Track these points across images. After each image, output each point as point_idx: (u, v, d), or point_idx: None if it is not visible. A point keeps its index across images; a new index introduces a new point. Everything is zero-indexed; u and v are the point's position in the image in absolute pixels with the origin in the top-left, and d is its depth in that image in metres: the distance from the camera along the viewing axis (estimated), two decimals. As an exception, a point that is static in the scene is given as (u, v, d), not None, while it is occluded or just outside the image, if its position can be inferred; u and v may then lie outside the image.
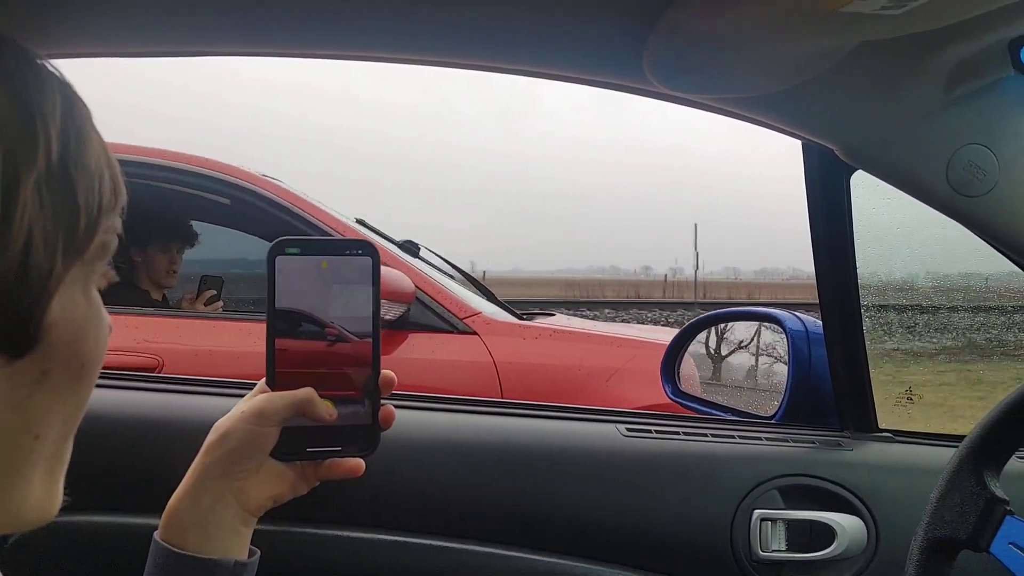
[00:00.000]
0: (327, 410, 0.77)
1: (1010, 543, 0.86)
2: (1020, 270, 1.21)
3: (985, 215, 1.09)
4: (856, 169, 1.15)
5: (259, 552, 0.80)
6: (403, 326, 2.69)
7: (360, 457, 0.81)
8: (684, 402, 1.60)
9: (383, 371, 0.80)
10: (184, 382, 1.25)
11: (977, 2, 0.80)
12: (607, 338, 2.83)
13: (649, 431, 1.26)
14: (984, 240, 1.16)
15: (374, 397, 0.79)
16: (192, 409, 1.17)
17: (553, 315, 3.52)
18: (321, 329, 0.77)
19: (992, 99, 1.03)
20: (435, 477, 1.17)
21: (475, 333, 2.73)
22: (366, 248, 0.78)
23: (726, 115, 1.03)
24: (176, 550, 0.74)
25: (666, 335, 2.72)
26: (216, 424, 0.78)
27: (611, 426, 1.26)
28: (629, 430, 1.25)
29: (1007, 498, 0.89)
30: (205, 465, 0.77)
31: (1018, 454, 1.33)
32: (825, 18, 0.77)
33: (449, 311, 2.76)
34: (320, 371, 0.78)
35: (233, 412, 0.78)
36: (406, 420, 1.23)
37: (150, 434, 1.14)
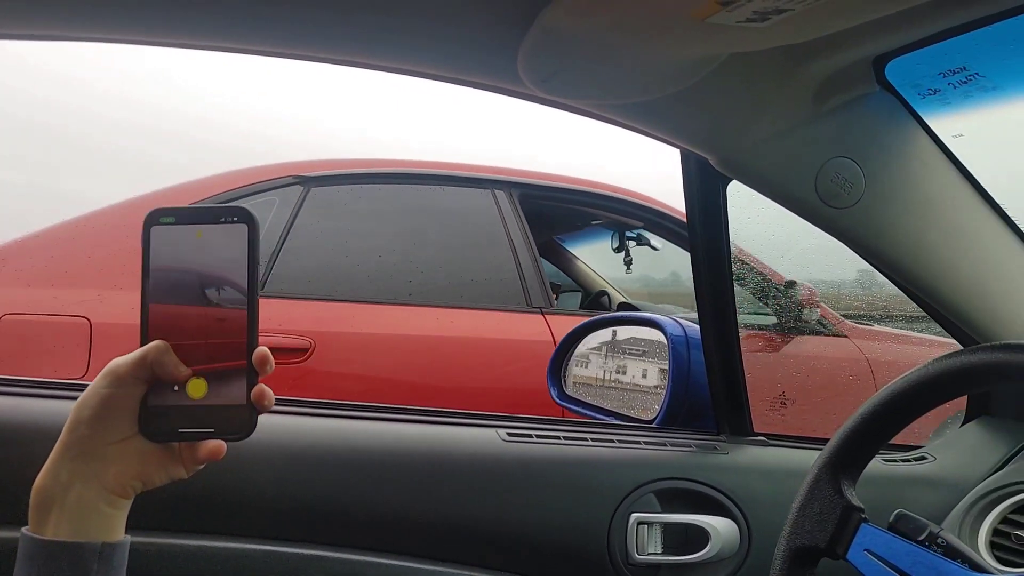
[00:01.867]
0: (177, 366, 0.72)
1: (865, 550, 0.89)
2: (887, 279, 1.26)
3: (852, 226, 1.13)
4: (731, 179, 1.17)
5: (130, 536, 0.76)
6: (802, 330, 2.94)
7: (236, 440, 0.76)
8: (569, 406, 1.60)
9: (259, 347, 0.75)
10: (42, 385, 1.18)
11: (840, 18, 0.83)
12: (923, 339, 3.04)
13: (530, 435, 1.26)
14: (852, 250, 1.20)
15: (249, 374, 0.75)
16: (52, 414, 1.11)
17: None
18: (195, 301, 0.73)
19: (859, 114, 1.07)
20: (313, 484, 1.14)
21: (846, 336, 3.02)
22: (242, 215, 0.74)
23: (603, 121, 1.03)
24: (36, 536, 0.70)
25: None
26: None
27: (492, 430, 1.25)
28: (510, 434, 1.25)
29: (863, 506, 0.91)
30: (64, 443, 0.72)
31: (884, 456, 1.38)
32: (694, 27, 0.78)
33: (825, 318, 3.04)
34: (193, 344, 0.74)
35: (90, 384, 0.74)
36: (284, 425, 1.20)
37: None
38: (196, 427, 0.74)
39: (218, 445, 0.75)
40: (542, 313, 2.79)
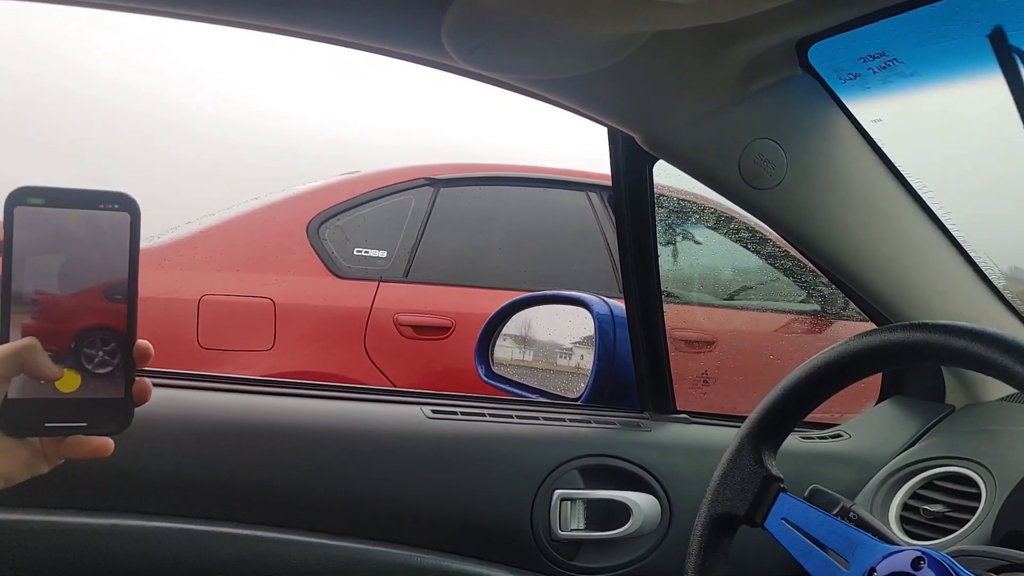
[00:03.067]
0: (50, 367, 0.68)
1: (783, 519, 0.91)
2: (807, 261, 1.29)
3: (774, 207, 1.15)
4: (657, 158, 1.18)
5: None
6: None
7: (111, 435, 0.72)
8: (497, 384, 1.60)
9: (139, 341, 0.71)
10: None
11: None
12: None
13: (455, 413, 1.25)
14: (774, 231, 1.22)
15: (127, 368, 0.71)
16: None
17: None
18: (68, 290, 0.69)
19: (782, 96, 1.09)
20: (231, 461, 1.11)
21: None
22: (124, 202, 0.70)
23: (530, 96, 1.03)
24: None
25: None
26: None
27: (416, 408, 1.24)
28: (434, 411, 1.24)
29: (782, 476, 0.93)
30: None
31: (801, 433, 1.42)
32: (618, 3, 0.77)
33: None
34: (65, 335, 0.70)
35: None
36: (203, 402, 1.17)
37: None
38: (65, 421, 0.70)
39: (103, 443, 0.72)
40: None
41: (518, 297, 1.63)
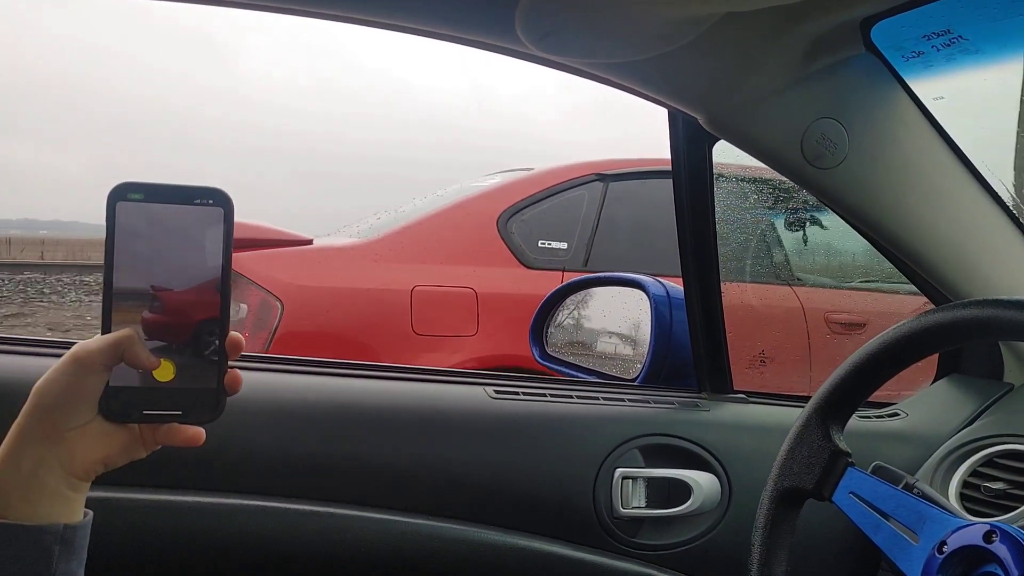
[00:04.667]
0: (148, 357, 0.70)
1: (851, 492, 0.92)
2: (867, 241, 1.29)
3: (836, 187, 1.15)
4: (718, 139, 1.19)
5: (91, 513, 0.76)
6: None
7: (204, 423, 0.75)
8: (552, 365, 1.62)
9: (232, 333, 0.73)
10: (27, 343, 1.17)
11: None
12: None
13: (516, 393, 1.27)
14: (834, 211, 1.22)
15: (220, 358, 0.73)
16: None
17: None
18: (165, 283, 0.71)
19: (845, 75, 1.09)
20: (305, 440, 1.15)
21: None
22: (217, 197, 0.72)
23: (595, 80, 1.04)
24: None
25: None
26: (35, 384, 0.72)
27: (479, 388, 1.27)
28: (497, 392, 1.26)
29: (849, 451, 0.94)
30: (24, 428, 0.70)
31: (859, 413, 1.42)
32: None
33: None
34: (163, 326, 0.72)
35: (51, 367, 0.72)
36: (277, 383, 1.20)
37: None
38: (162, 409, 0.73)
39: (196, 432, 0.74)
40: (790, 285, 3.31)
41: (573, 279, 1.64)
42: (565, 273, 3.15)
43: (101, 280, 0.72)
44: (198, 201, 0.72)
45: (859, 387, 0.95)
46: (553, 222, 3.25)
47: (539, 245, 3.22)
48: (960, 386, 1.47)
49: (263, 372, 1.20)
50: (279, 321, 2.83)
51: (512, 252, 3.16)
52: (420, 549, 1.16)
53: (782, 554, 0.96)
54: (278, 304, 2.84)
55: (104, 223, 0.71)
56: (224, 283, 0.73)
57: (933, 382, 1.53)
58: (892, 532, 0.88)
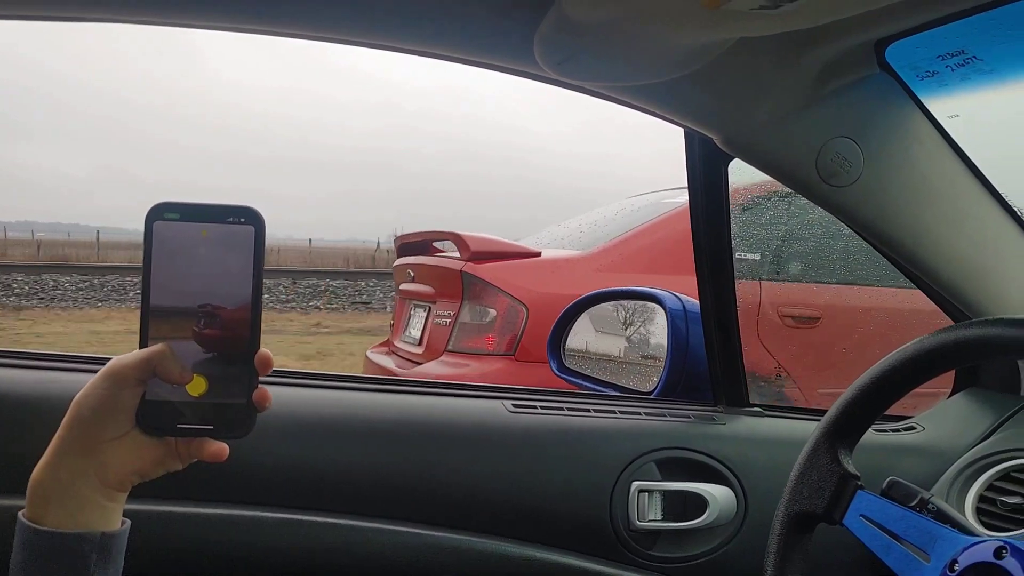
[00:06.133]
0: (181, 370, 0.73)
1: (861, 515, 0.93)
2: (883, 256, 1.30)
3: (851, 204, 1.16)
4: (733, 157, 1.20)
5: (129, 522, 0.78)
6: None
7: (235, 439, 0.77)
8: (569, 378, 1.64)
9: (261, 350, 0.75)
10: (66, 359, 1.20)
11: (849, 5, 0.85)
12: None
13: (535, 407, 1.29)
14: (850, 228, 1.23)
15: (250, 375, 0.75)
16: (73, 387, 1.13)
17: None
18: (198, 299, 0.73)
19: (859, 95, 1.10)
20: (324, 454, 1.17)
21: None
22: (249, 216, 0.74)
23: (612, 101, 1.06)
24: (36, 526, 0.72)
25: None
26: (74, 397, 0.75)
27: (498, 402, 1.28)
28: (515, 406, 1.28)
29: (859, 473, 0.95)
30: (62, 439, 0.73)
31: (875, 427, 1.43)
32: (707, 14, 0.80)
33: None
34: (195, 342, 0.74)
35: (88, 382, 0.74)
36: (297, 397, 1.22)
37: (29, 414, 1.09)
38: (195, 423, 0.75)
39: (220, 448, 0.76)
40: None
41: (591, 293, 1.66)
42: (761, 283, 3.48)
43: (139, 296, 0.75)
44: (231, 220, 0.74)
45: (866, 410, 0.96)
46: (745, 235, 3.48)
47: (736, 257, 3.40)
48: (977, 400, 1.47)
49: (284, 387, 1.22)
50: (525, 323, 3.18)
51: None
52: (437, 562, 1.18)
53: None
54: (523, 309, 3.21)
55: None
56: (256, 299, 0.74)
57: (950, 395, 1.53)
58: (903, 553, 0.89)
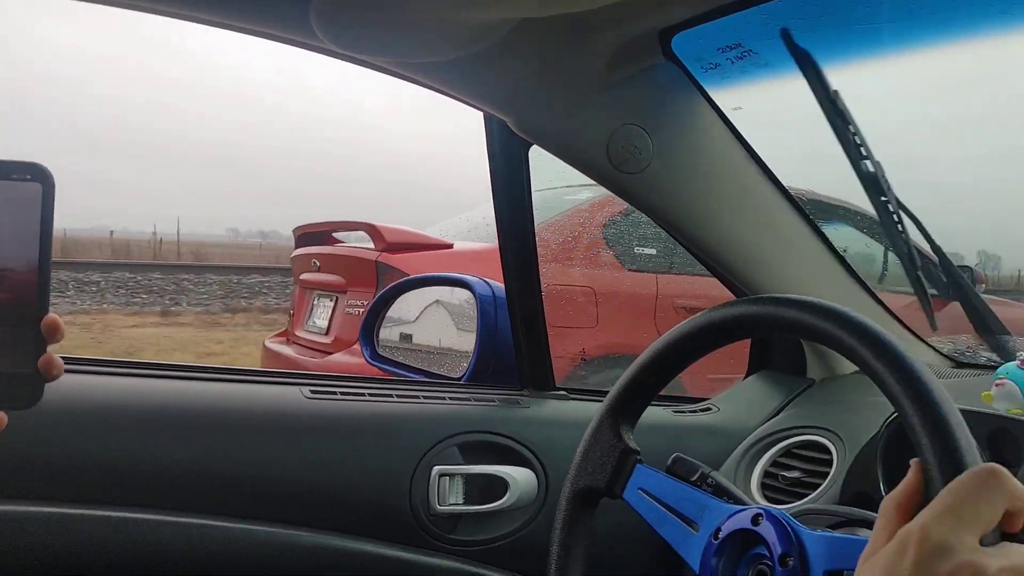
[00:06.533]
0: None
1: (639, 488, 0.95)
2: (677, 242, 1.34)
3: (642, 191, 1.20)
4: (532, 143, 1.21)
5: None
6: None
7: (20, 409, 0.71)
8: (382, 366, 1.61)
9: (49, 315, 0.69)
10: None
11: None
12: None
13: (334, 393, 1.26)
14: (643, 213, 1.27)
15: (37, 341, 0.69)
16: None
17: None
18: None
19: (647, 84, 1.13)
20: (109, 444, 1.10)
21: None
22: (36, 172, 0.68)
23: (406, 80, 1.04)
24: None
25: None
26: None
27: (295, 388, 1.25)
28: (313, 392, 1.25)
29: (639, 449, 0.98)
30: None
31: (675, 408, 1.49)
32: None
33: None
34: None
35: None
36: (81, 385, 1.15)
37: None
38: None
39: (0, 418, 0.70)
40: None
41: (401, 280, 1.64)
42: (658, 276, 3.69)
43: None
44: (15, 176, 0.68)
45: (646, 386, 0.98)
46: (642, 232, 3.70)
47: (636, 251, 3.74)
48: (767, 382, 1.56)
49: (70, 375, 1.15)
50: None
51: (616, 256, 3.69)
52: (226, 553, 1.13)
53: (579, 552, 0.99)
54: None
55: None
56: (44, 261, 0.69)
57: (744, 378, 1.61)
58: (676, 524, 0.92)
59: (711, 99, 1.19)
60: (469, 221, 4.11)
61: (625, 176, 1.16)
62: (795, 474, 1.31)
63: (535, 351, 1.39)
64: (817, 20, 1.08)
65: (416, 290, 1.64)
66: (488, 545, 1.27)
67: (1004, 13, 1.02)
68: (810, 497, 1.25)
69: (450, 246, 3.54)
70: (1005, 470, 0.56)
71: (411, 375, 1.58)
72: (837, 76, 1.16)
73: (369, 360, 1.63)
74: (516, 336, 1.38)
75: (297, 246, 4.11)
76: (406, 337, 1.71)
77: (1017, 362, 1.07)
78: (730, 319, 0.90)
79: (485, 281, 1.48)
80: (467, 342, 1.60)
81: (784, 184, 1.26)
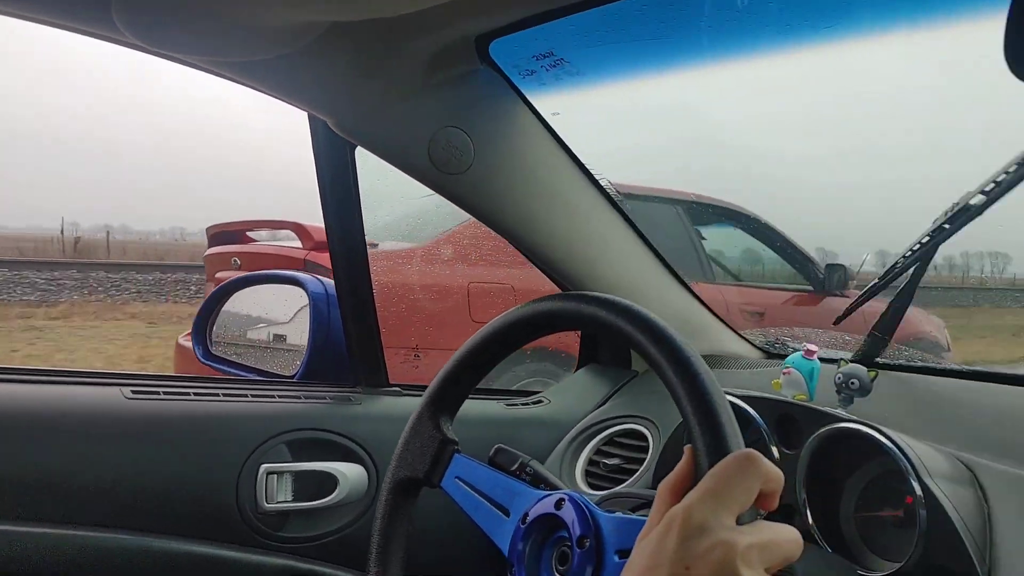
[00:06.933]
0: None
1: (456, 477, 0.99)
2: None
3: (465, 192, 1.24)
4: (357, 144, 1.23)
5: None
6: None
7: None
8: (215, 365, 1.59)
9: None
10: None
11: None
12: None
13: (157, 392, 1.24)
14: (468, 213, 1.31)
15: None
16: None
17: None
18: None
19: (466, 87, 1.17)
20: None
21: None
22: None
23: (223, 77, 1.04)
24: None
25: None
26: None
27: (115, 389, 1.22)
28: (134, 392, 1.22)
29: (456, 439, 1.01)
30: None
31: (508, 401, 1.53)
32: None
33: None
34: None
35: None
36: None
37: None
38: None
39: None
40: None
41: (234, 278, 1.62)
42: None
43: None
44: None
45: (463, 379, 1.02)
46: None
47: None
48: (595, 374, 1.63)
49: None
50: None
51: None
52: (47, 560, 1.10)
53: (400, 541, 1.01)
54: None
55: None
56: None
57: (575, 371, 1.68)
58: (489, 510, 0.96)
59: (531, 104, 1.24)
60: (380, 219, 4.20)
61: (448, 177, 1.19)
62: (615, 461, 1.38)
63: (367, 349, 1.40)
64: (624, 31, 1.14)
65: (251, 287, 1.62)
66: (318, 541, 1.28)
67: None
68: (628, 482, 1.32)
69: (375, 246, 3.54)
70: (759, 454, 0.62)
71: (245, 374, 1.57)
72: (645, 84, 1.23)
73: (202, 359, 1.61)
74: (348, 333, 1.39)
75: (211, 245, 4.06)
76: (280, 338, 1.68)
77: (802, 352, 1.17)
78: (538, 315, 0.94)
79: (318, 279, 1.49)
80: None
81: (605, 186, 1.33)
